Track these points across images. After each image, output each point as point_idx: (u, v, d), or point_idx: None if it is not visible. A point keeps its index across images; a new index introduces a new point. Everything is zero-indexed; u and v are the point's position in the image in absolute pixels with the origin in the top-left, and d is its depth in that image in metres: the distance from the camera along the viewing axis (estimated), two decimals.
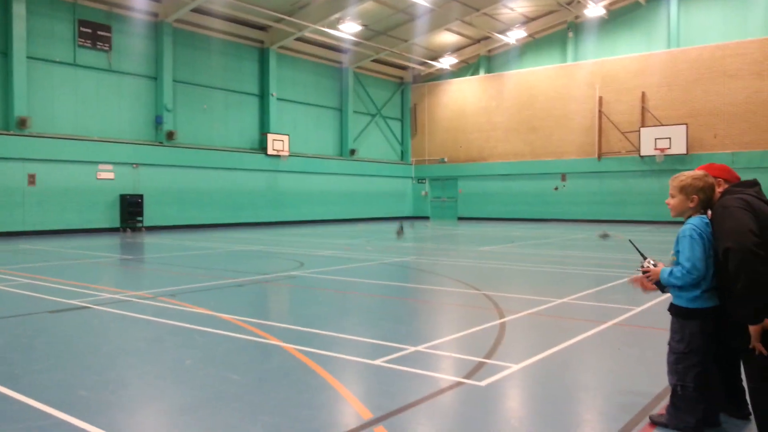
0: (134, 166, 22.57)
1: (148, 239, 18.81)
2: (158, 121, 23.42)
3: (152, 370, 4.55)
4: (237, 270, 10.78)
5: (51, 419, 3.52)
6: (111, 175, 21.94)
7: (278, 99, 28.13)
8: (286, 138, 27.85)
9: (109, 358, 4.90)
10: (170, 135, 23.57)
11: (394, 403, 3.76)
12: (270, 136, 27.22)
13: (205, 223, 24.97)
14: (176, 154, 23.84)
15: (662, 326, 5.68)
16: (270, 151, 27.17)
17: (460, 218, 34.15)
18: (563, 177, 30.50)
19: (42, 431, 3.35)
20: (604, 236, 4.55)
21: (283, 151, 27.65)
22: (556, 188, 30.37)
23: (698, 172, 3.42)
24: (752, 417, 3.35)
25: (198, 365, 4.65)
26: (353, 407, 3.72)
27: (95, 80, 21.82)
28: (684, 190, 3.38)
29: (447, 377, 4.32)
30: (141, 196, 22.46)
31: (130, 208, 22.12)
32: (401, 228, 4.95)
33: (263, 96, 27.69)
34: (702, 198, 3.35)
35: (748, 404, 3.41)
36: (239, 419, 3.53)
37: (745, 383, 3.32)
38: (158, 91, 23.48)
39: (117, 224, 22.14)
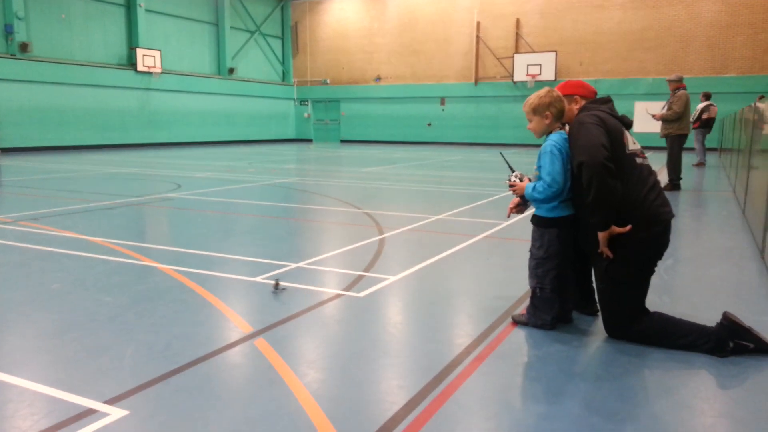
0: None
1: (6, 162, 17.20)
2: (8, 30, 20.96)
3: (16, 296, 4.28)
4: (107, 193, 10.19)
5: None
6: None
7: (147, 10, 26.00)
8: (157, 53, 26.02)
9: None
10: (24, 47, 21.25)
11: (274, 317, 3.82)
12: (140, 51, 25.30)
13: (70, 144, 23.15)
14: (33, 69, 21.60)
15: (526, 237, 6.11)
16: (140, 68, 25.34)
17: (343, 141, 34.11)
18: (443, 101, 31.10)
19: None
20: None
21: (154, 67, 25.88)
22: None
23: (542, 91, 3.61)
24: (599, 313, 3.74)
25: (67, 289, 4.43)
26: (233, 322, 3.74)
27: None
28: (536, 110, 3.58)
29: (327, 290, 4.43)
30: None
31: None
32: (277, 283, 5.09)
33: (130, 6, 25.47)
34: (554, 112, 3.55)
35: (596, 302, 3.80)
36: (113, 340, 3.44)
37: (594, 284, 3.68)
38: None
39: None
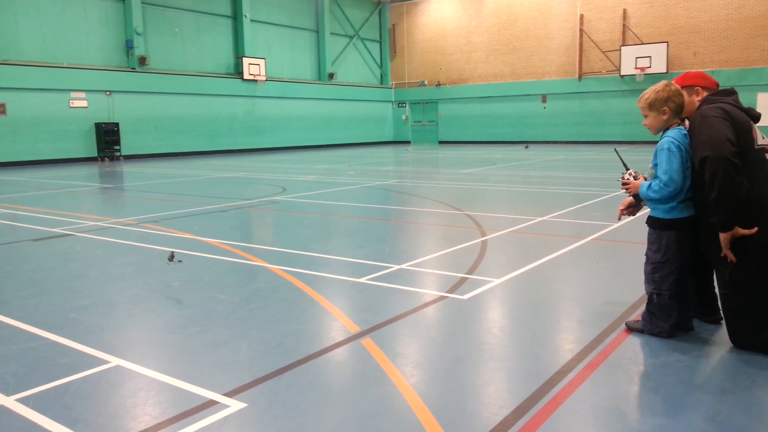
0: (108, 93, 21.97)
1: (127, 168, 18.57)
2: (129, 46, 22.62)
3: (141, 293, 4.60)
4: (219, 196, 10.75)
5: (43, 340, 3.58)
6: (84, 103, 21.38)
7: (252, 21, 27.21)
8: (262, 62, 27.14)
9: (97, 282, 4.95)
10: (142, 60, 22.84)
11: (379, 317, 3.88)
12: (246, 60, 26.51)
13: (183, 151, 24.65)
14: (150, 80, 23.20)
15: (637, 240, 5.84)
16: (246, 76, 26.53)
17: (441, 142, 34.05)
18: (544, 99, 30.32)
19: (35, 351, 3.41)
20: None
21: (259, 75, 27.00)
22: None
23: (659, 84, 3.41)
24: (723, 321, 3.51)
25: (186, 287, 4.71)
26: (340, 321, 3.83)
27: (59, 3, 20.84)
28: (652, 106, 3.39)
29: (430, 292, 4.44)
30: (117, 125, 22.01)
31: (107, 137, 21.74)
32: (172, 255, 5.32)
33: (236, 18, 26.75)
34: (672, 107, 3.35)
35: (719, 310, 3.56)
36: (229, 335, 3.62)
37: (716, 289, 3.46)
38: (127, 14, 22.56)
39: (94, 153, 21.79)
